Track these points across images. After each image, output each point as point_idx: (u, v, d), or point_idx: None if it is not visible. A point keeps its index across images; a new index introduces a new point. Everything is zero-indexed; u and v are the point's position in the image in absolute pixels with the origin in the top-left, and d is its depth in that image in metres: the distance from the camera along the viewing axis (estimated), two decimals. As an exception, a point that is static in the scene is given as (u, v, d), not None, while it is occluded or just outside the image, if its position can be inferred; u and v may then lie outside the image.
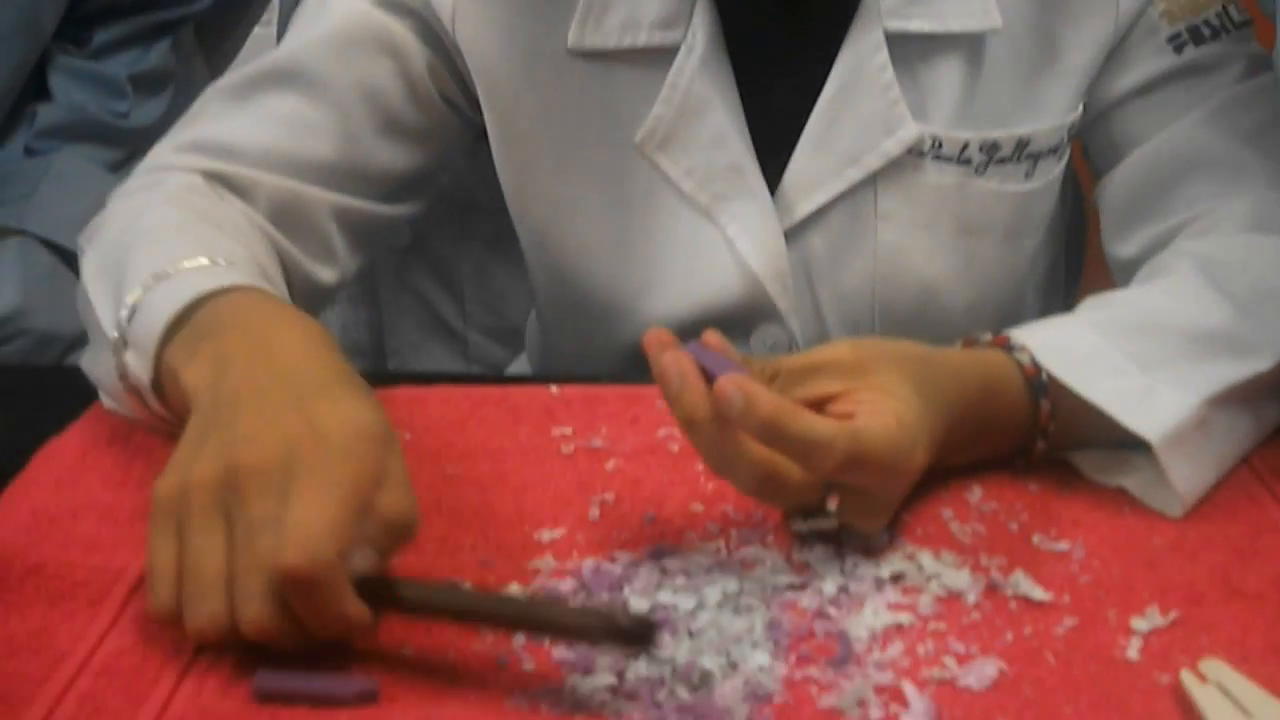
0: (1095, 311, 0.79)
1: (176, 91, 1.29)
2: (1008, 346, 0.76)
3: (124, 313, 0.74)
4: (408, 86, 0.91)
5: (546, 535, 0.71)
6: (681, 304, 0.91)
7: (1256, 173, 0.86)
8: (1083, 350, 0.75)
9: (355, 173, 0.90)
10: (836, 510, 0.67)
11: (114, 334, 0.75)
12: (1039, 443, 0.76)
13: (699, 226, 0.91)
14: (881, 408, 0.67)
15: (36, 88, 1.25)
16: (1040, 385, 0.75)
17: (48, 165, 1.21)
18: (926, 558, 0.69)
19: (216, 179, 0.87)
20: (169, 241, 0.78)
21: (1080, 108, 0.91)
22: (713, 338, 0.67)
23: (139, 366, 0.73)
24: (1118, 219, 0.92)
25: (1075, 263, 1.11)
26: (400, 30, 0.90)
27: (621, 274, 0.91)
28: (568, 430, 0.81)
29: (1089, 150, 0.96)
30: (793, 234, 0.91)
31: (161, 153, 0.89)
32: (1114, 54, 0.89)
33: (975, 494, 0.76)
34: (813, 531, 0.68)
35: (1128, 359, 0.74)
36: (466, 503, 0.74)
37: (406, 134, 0.91)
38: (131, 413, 0.78)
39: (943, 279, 0.92)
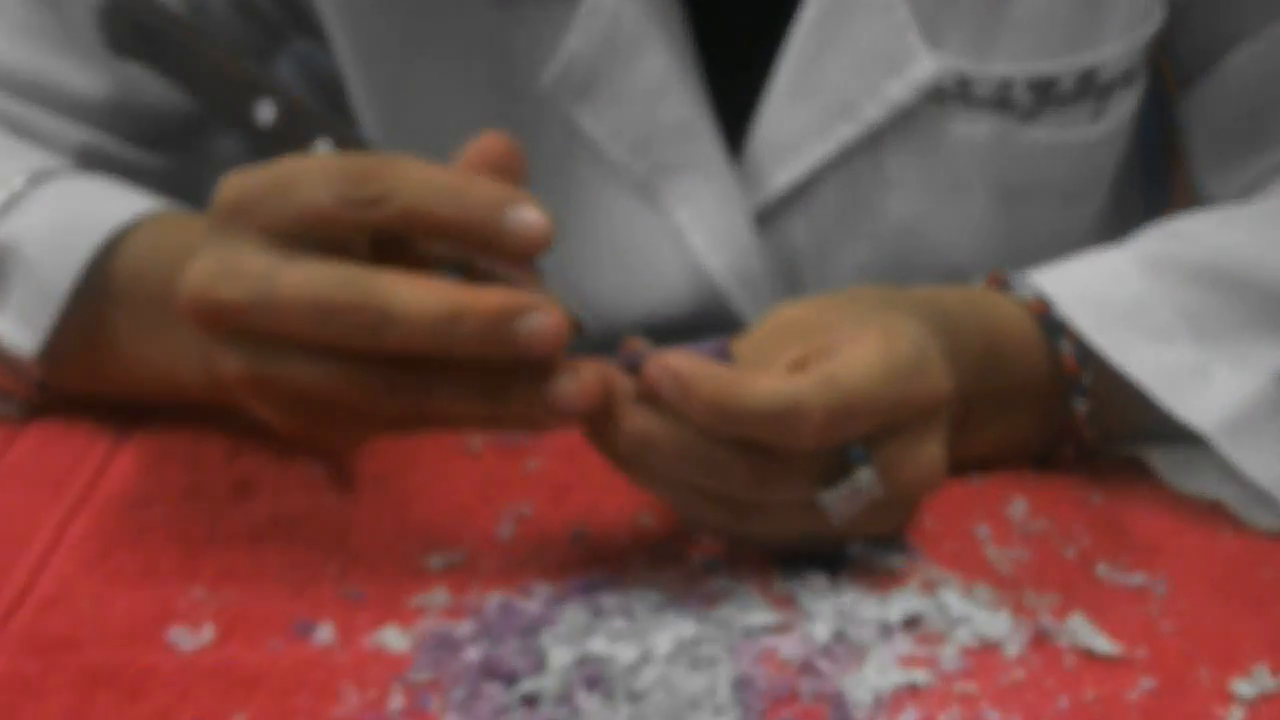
0: (1151, 243, 0.77)
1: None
2: (1004, 284, 0.76)
3: None
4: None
5: (438, 560, 0.69)
6: (612, 315, 0.88)
7: None
8: (1119, 298, 0.74)
9: (115, 105, 0.86)
10: (873, 467, 0.65)
11: None
12: (1079, 404, 0.74)
13: (633, 210, 0.87)
14: (861, 337, 0.65)
15: None
16: (1054, 324, 0.74)
17: None
18: (952, 594, 0.67)
19: None
20: None
21: (1161, 13, 0.87)
22: (636, 343, 0.65)
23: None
24: (1211, 146, 0.90)
25: (1155, 204, 1.06)
26: None
27: None
28: (478, 419, 0.80)
29: (1168, 51, 0.92)
30: (766, 217, 0.88)
31: None
32: None
33: (1019, 507, 0.74)
34: (848, 501, 0.65)
35: (1179, 318, 0.74)
36: (333, 516, 0.72)
37: None
38: None
39: (977, 261, 0.88)
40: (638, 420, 0.63)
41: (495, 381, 0.61)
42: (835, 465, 0.64)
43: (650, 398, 0.62)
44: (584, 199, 0.87)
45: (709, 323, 0.88)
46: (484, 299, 0.60)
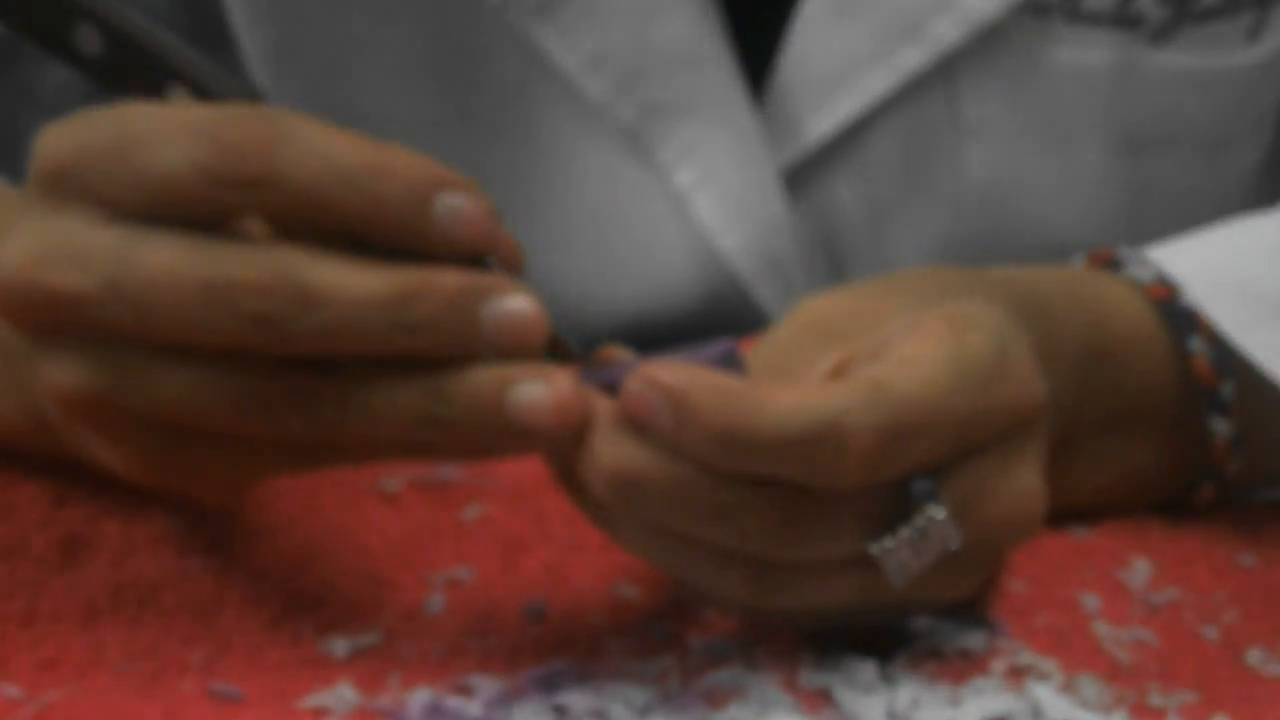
0: None
1: None
2: (1113, 262, 0.75)
3: None
4: None
5: (343, 645, 0.65)
6: (589, 313, 0.90)
7: None
8: (1272, 283, 0.74)
9: None
10: (944, 503, 0.62)
11: None
12: (1218, 427, 0.73)
13: (618, 168, 0.88)
14: (920, 330, 0.63)
15: None
16: (1181, 316, 0.73)
17: None
18: (1048, 689, 0.64)
19: None
20: None
21: None
22: (613, 352, 0.65)
23: None
24: None
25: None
26: None
27: None
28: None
29: None
30: (800, 177, 0.88)
31: None
32: None
33: (1139, 571, 0.72)
34: (912, 552, 0.62)
35: None
36: (197, 585, 0.69)
37: None
38: None
39: (1086, 235, 0.88)
40: (618, 453, 0.59)
41: (434, 390, 0.60)
42: (893, 504, 0.61)
43: (635, 424, 0.60)
44: (552, 153, 0.88)
45: (723, 321, 0.87)
46: (442, 276, 0.59)
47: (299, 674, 0.63)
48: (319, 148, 0.59)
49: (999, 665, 0.64)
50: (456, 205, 0.59)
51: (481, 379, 0.60)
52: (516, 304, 0.59)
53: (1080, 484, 0.72)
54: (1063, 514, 0.72)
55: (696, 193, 0.88)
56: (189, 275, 0.58)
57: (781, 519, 0.61)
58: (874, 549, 0.61)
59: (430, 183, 0.59)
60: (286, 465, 0.63)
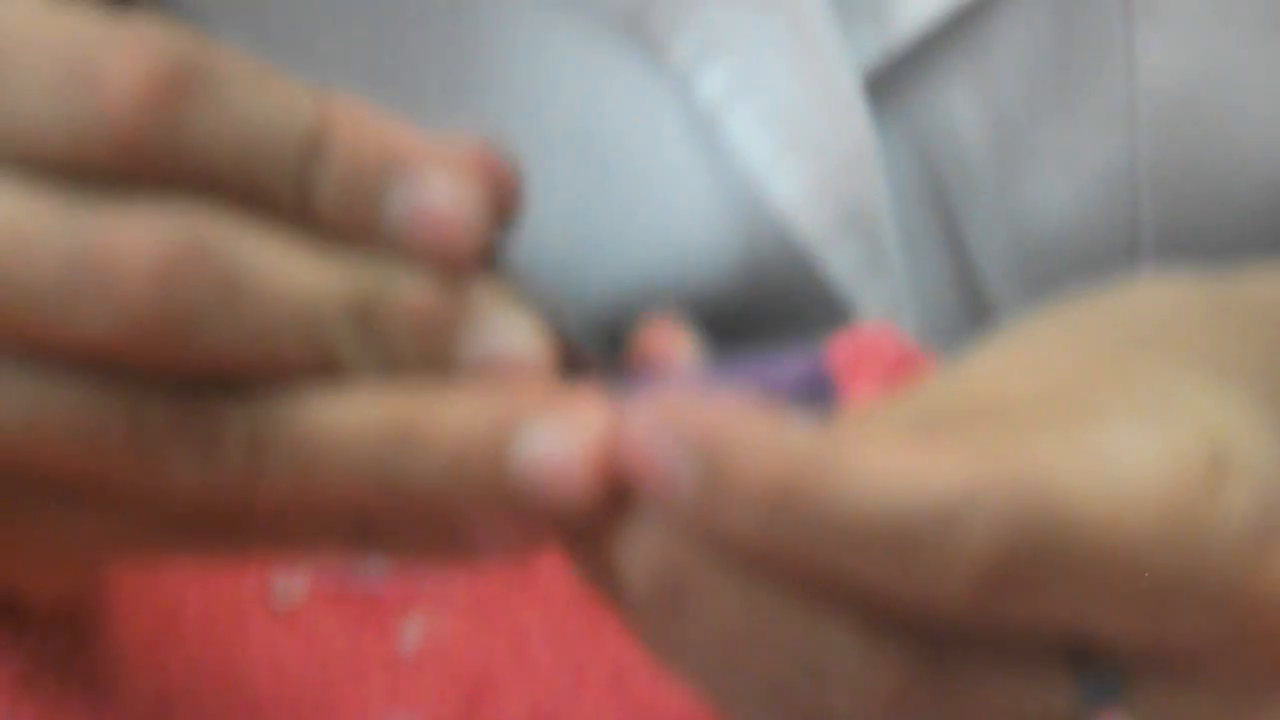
0: None
1: None
2: None
3: None
4: None
5: None
6: (570, 281, 0.84)
7: None
8: None
9: None
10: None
11: None
12: None
13: (613, 69, 0.80)
14: (1151, 445, 0.51)
15: None
16: None
17: None
18: None
19: None
20: None
21: None
22: (661, 341, 0.55)
23: None
24: None
25: None
26: None
27: None
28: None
29: None
30: (894, 86, 0.80)
31: None
32: None
33: None
34: None
35: None
36: None
37: None
38: None
39: None
40: (662, 542, 0.49)
41: (398, 432, 0.51)
42: (1041, 697, 0.51)
43: (642, 490, 0.50)
44: (512, 48, 0.81)
45: (775, 304, 0.80)
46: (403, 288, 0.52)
47: None
48: (243, 110, 0.51)
49: None
50: (418, 199, 0.52)
51: (468, 421, 0.49)
52: (506, 338, 0.52)
53: None
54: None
55: (731, 107, 0.77)
56: (44, 240, 0.49)
57: (878, 682, 0.50)
58: None
59: (380, 165, 0.51)
60: (152, 539, 0.52)
